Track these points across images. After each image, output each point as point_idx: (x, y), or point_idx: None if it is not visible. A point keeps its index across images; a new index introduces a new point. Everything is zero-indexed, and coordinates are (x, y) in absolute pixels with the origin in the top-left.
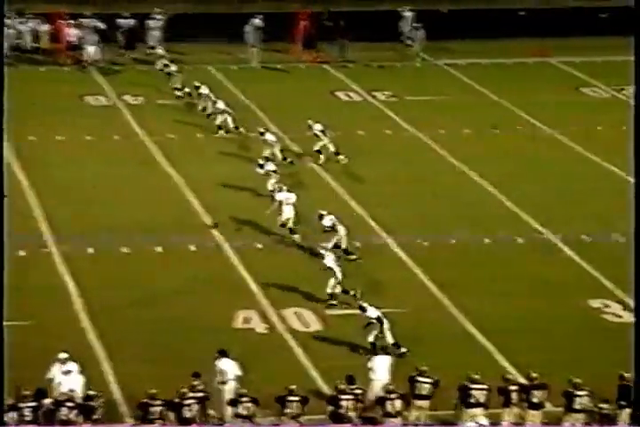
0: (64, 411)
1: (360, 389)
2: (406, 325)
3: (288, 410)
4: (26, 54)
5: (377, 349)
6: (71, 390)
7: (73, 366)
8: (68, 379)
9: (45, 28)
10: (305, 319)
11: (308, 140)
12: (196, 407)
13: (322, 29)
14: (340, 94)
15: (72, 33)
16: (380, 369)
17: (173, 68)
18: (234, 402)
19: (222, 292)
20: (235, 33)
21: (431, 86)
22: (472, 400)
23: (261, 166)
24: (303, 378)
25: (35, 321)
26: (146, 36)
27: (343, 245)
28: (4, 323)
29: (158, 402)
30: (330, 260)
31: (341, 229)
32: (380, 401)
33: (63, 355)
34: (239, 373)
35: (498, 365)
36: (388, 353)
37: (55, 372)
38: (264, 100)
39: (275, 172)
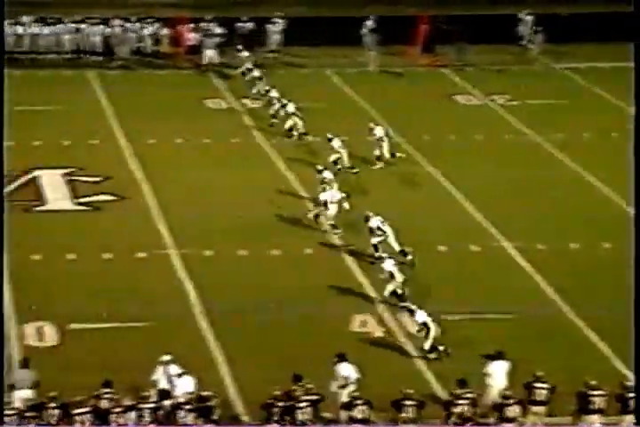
0: (182, 413)
1: (474, 393)
2: (523, 330)
3: (404, 414)
4: (146, 58)
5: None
6: (188, 393)
7: (175, 368)
8: (180, 381)
9: (166, 32)
10: None
11: (426, 144)
12: (309, 410)
13: (440, 33)
14: (459, 98)
15: (192, 37)
16: (498, 374)
17: (256, 73)
18: (348, 405)
19: (339, 295)
20: (353, 36)
21: (550, 90)
22: (590, 407)
23: (320, 172)
24: (419, 382)
25: (153, 323)
26: (265, 39)
27: (396, 247)
28: (128, 324)
29: (281, 403)
30: (389, 264)
31: (388, 231)
32: (498, 407)
33: (166, 357)
34: (358, 376)
35: (617, 371)
36: (505, 358)
37: (159, 374)
38: (382, 103)
39: (332, 179)
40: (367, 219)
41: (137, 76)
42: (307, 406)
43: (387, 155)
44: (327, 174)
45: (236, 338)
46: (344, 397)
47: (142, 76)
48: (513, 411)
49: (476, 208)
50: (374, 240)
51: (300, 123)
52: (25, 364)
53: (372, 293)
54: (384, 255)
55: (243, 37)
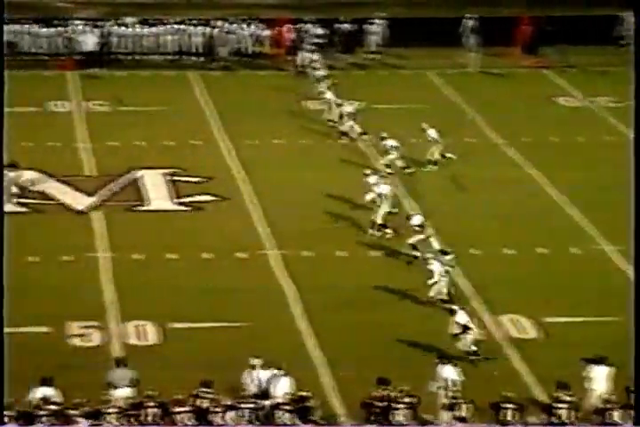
0: (281, 413)
1: (574, 396)
2: (621, 333)
3: (503, 417)
4: (246, 59)
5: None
6: (286, 393)
7: (264, 372)
8: (278, 382)
9: (267, 33)
10: (522, 326)
11: (526, 146)
12: (407, 411)
13: (542, 34)
14: (560, 100)
15: (292, 38)
16: (599, 379)
17: (321, 72)
18: (451, 406)
19: None
20: (453, 37)
21: None
22: None
23: (367, 175)
24: (519, 385)
25: (251, 322)
26: (365, 40)
27: (436, 246)
28: (228, 324)
29: (379, 404)
30: (436, 265)
31: (429, 230)
32: (599, 412)
33: (255, 361)
34: (462, 379)
35: None
36: (607, 363)
37: (248, 378)
38: (482, 105)
39: (376, 182)
40: (409, 218)
41: (238, 77)
42: (405, 407)
43: (437, 155)
44: (372, 179)
45: (335, 338)
46: (443, 398)
47: (243, 76)
48: (615, 416)
49: (576, 210)
50: (414, 239)
51: (355, 124)
52: (123, 363)
53: (471, 294)
54: (428, 256)
55: (342, 38)
